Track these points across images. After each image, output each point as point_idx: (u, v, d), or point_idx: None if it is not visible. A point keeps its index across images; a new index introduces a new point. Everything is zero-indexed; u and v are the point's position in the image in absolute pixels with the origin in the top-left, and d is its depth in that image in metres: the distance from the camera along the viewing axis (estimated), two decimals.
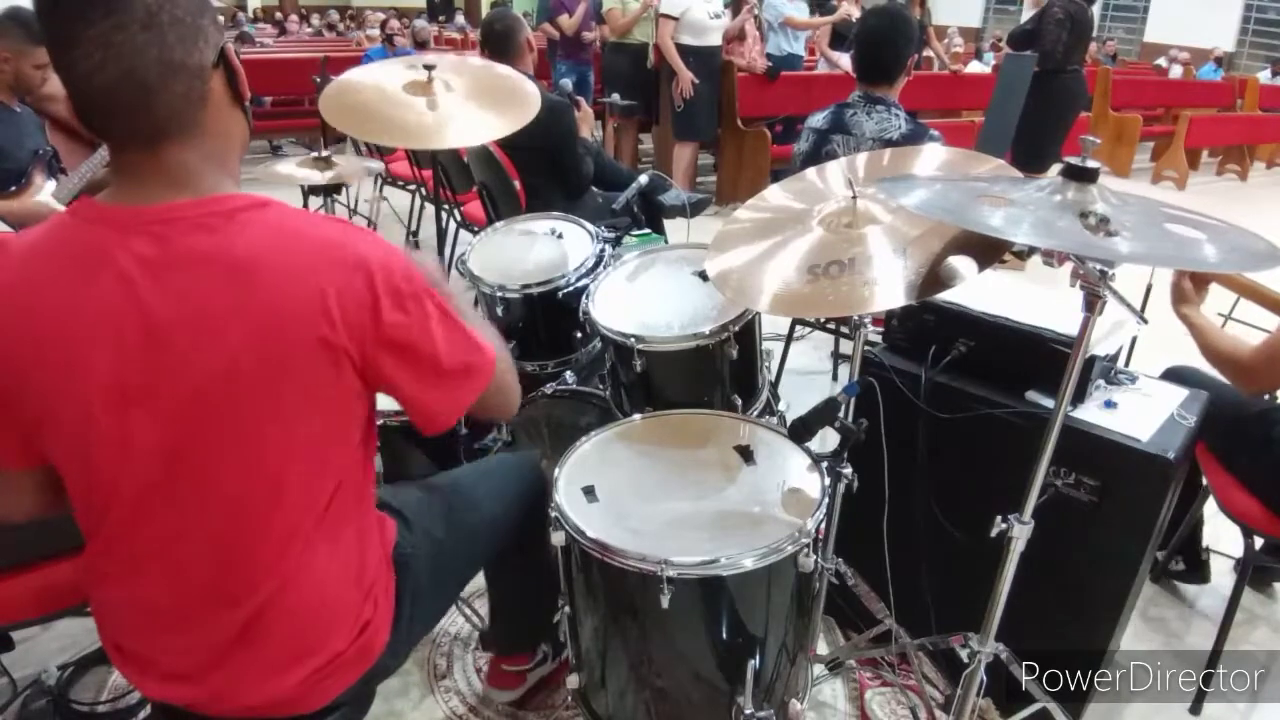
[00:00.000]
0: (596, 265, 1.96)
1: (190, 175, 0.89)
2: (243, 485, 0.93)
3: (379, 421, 1.10)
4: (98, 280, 0.86)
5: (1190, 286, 1.67)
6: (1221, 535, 2.16)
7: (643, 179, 2.62)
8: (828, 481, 1.34)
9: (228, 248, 0.87)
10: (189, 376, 0.88)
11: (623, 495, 1.35)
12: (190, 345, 0.87)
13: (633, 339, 1.62)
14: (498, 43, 2.95)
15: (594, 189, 3.14)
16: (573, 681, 1.43)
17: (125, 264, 0.86)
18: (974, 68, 8.36)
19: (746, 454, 1.43)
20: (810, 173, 1.53)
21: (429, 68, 1.98)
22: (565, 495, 1.33)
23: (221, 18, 0.96)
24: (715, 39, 5.09)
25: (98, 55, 0.81)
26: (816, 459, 1.39)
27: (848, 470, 1.43)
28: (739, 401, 1.69)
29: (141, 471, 0.91)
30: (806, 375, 3.26)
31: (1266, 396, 1.84)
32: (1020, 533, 1.25)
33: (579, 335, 2.01)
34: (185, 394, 0.88)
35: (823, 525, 1.30)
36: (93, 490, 0.94)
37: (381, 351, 0.94)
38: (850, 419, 1.39)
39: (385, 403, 1.02)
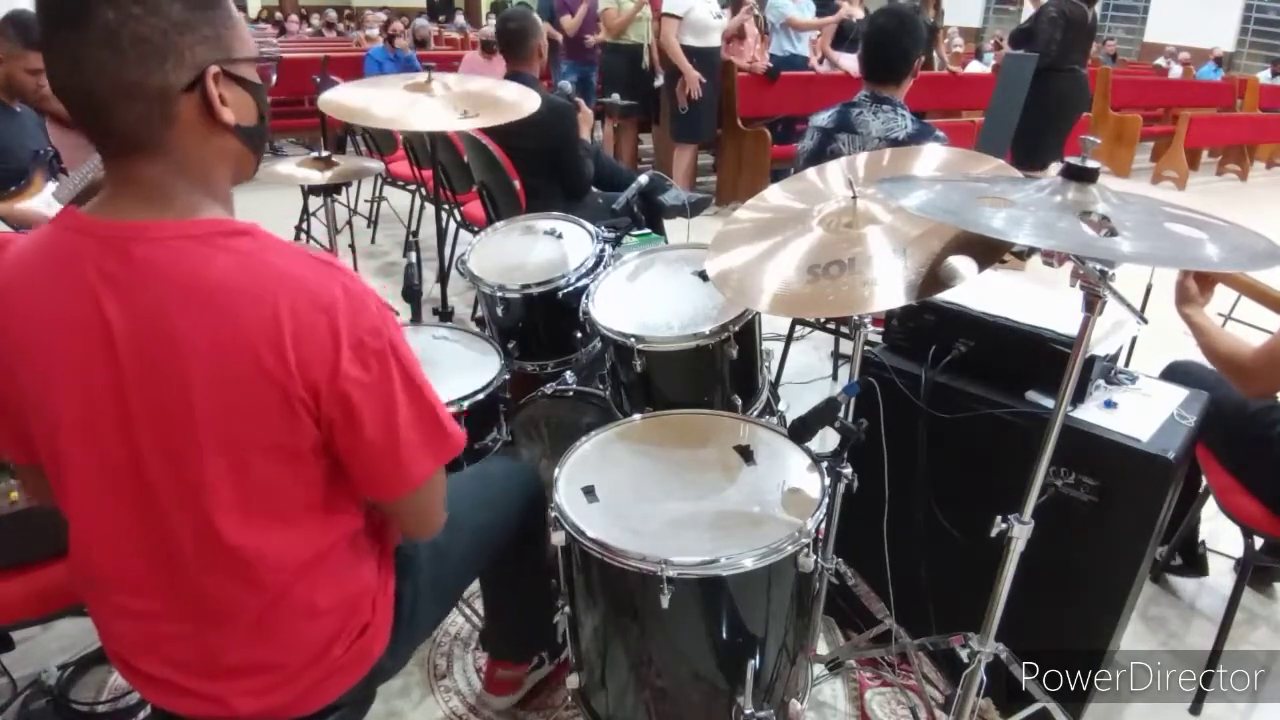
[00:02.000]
0: (596, 265, 1.96)
1: (163, 193, 0.86)
2: (216, 505, 0.90)
3: None
4: (69, 292, 0.85)
5: (1194, 286, 1.65)
6: (1221, 535, 2.16)
7: (643, 179, 2.62)
8: (828, 481, 1.34)
9: (193, 273, 0.84)
10: (150, 397, 0.86)
11: (623, 495, 1.35)
12: (149, 366, 0.85)
13: (633, 339, 1.62)
14: (509, 39, 2.94)
15: (594, 189, 3.14)
16: (573, 681, 1.43)
17: (93, 279, 0.84)
18: (974, 68, 8.35)
19: (746, 454, 1.43)
20: (810, 173, 1.53)
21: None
22: (565, 495, 1.33)
23: (246, 33, 0.88)
24: (716, 39, 5.07)
25: (65, 65, 0.81)
26: (816, 459, 1.39)
27: (848, 470, 1.43)
28: (739, 401, 1.69)
29: (111, 486, 0.91)
30: (806, 375, 3.26)
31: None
32: (1020, 533, 1.26)
33: (579, 335, 2.01)
34: (148, 415, 0.87)
35: (823, 525, 1.30)
36: (68, 500, 0.94)
37: (334, 407, 0.88)
38: (850, 419, 1.39)
39: None
